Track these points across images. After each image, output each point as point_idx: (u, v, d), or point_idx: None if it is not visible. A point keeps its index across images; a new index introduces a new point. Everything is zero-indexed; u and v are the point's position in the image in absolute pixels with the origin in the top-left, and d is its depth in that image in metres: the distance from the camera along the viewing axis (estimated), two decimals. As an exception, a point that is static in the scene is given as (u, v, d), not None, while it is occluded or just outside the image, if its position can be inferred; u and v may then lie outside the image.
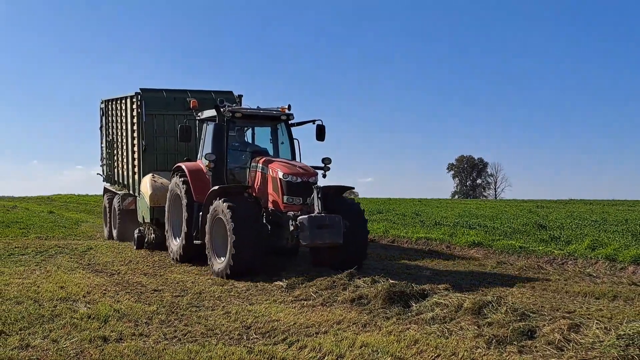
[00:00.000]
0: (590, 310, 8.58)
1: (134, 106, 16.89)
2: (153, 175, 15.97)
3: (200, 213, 12.60)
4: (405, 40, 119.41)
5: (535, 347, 6.33)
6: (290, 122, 13.34)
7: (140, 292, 9.84)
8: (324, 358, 6.44)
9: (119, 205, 18.00)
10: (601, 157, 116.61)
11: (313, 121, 13.24)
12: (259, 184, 12.26)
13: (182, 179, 13.45)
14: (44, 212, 32.19)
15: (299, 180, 11.66)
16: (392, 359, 6.37)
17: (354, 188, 12.12)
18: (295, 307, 8.82)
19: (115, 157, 19.20)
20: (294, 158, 13.14)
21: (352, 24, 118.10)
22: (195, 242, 12.79)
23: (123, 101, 18.11)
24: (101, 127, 21.39)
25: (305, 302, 9.00)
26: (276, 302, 9.13)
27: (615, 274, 11.99)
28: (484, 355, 6.32)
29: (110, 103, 19.73)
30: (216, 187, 11.97)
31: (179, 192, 13.50)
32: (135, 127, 16.95)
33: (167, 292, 9.83)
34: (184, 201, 13.17)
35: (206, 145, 13.47)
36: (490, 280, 11.26)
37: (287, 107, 13.34)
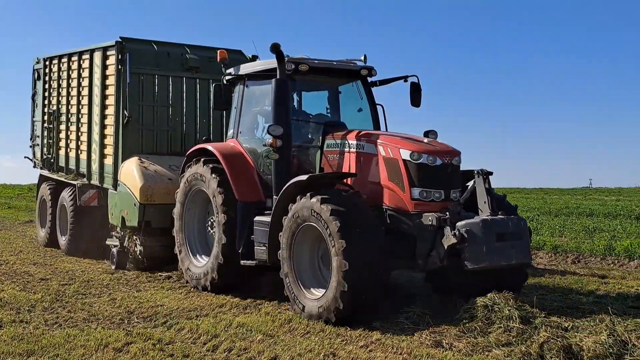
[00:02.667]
0: None
1: (109, 62, 11.94)
2: (140, 159, 11.14)
3: (256, 218, 8.16)
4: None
5: None
6: (371, 79, 9.13)
7: (27, 281, 9.89)
8: (199, 338, 6.74)
9: (73, 202, 12.90)
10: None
11: (405, 77, 9.07)
12: (356, 170, 7.95)
13: (211, 166, 8.87)
14: None
15: (439, 162, 7.52)
16: (264, 337, 6.70)
17: (492, 173, 8.08)
18: (181, 293, 9.06)
19: (64, 134, 14.01)
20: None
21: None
22: (245, 262, 8.28)
23: (84, 56, 13.03)
24: (34, 94, 16.02)
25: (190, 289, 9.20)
26: (163, 289, 9.30)
27: None
28: None
29: (56, 61, 14.51)
30: (302, 178, 7.54)
31: (205, 187, 8.94)
32: (108, 92, 11.99)
33: (54, 281, 9.90)
34: (218, 200, 8.66)
35: (248, 114, 9.02)
36: None
37: (362, 57, 9.08)
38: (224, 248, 8.59)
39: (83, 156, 13.11)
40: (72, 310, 7.92)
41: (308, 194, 7.22)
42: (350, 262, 6.66)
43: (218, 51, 9.47)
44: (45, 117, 15.20)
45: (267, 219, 7.98)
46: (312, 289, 7.34)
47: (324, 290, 7.08)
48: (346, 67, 8.94)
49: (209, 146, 9.13)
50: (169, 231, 10.68)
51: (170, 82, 11.87)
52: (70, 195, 13.03)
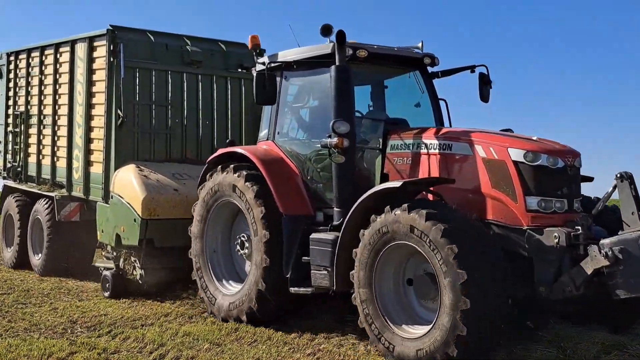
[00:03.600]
0: None
1: (96, 54, 10.27)
2: (138, 167, 9.52)
3: (313, 236, 6.77)
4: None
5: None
6: (431, 70, 7.85)
7: (-35, 294, 9.53)
8: (145, 347, 6.63)
9: (50, 216, 11.12)
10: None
11: (472, 67, 7.72)
12: (442, 175, 6.57)
13: (246, 173, 7.38)
14: None
15: (560, 164, 6.17)
16: (211, 345, 6.64)
17: (592, 179, 6.85)
18: (125, 302, 8.92)
19: (34, 139, 12.20)
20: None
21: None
22: (297, 290, 6.82)
23: (62, 48, 11.29)
24: (-7, 95, 14.09)
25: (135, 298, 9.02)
26: (105, 299, 9.20)
27: None
28: None
29: (24, 56, 12.69)
30: (394, 184, 6.10)
31: (236, 199, 7.46)
32: (96, 89, 10.30)
33: (-7, 292, 9.60)
34: (257, 213, 7.21)
35: (287, 111, 7.67)
36: None
37: (419, 44, 7.76)
38: (267, 272, 7.08)
39: (61, 164, 11.34)
40: (12, 320, 7.80)
41: (404, 206, 5.78)
42: (472, 299, 5.25)
43: (249, 37, 7.96)
44: (10, 120, 13.32)
45: (329, 236, 6.55)
46: (403, 326, 5.90)
47: (425, 328, 5.67)
48: (409, 55, 7.57)
49: (242, 150, 7.62)
50: (175, 251, 9.13)
51: (170, 78, 10.26)
52: (46, 209, 11.23)
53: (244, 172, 7.33)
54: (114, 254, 9.73)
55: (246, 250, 7.59)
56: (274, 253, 7.04)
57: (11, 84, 13.28)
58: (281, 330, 7.10)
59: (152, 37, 10.25)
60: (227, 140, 8.98)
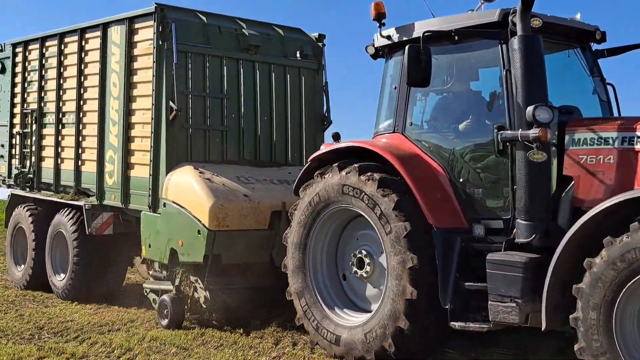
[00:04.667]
0: None
1: (138, 37, 8.76)
2: (197, 169, 8.04)
3: (490, 257, 5.37)
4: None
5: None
6: (597, 47, 6.48)
7: None
8: (113, 352, 6.75)
9: (77, 229, 9.52)
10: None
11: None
12: None
13: (379, 176, 5.93)
14: None
15: None
16: (178, 349, 6.78)
17: None
18: (90, 308, 8.94)
19: (50, 141, 10.59)
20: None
21: None
22: (463, 325, 5.39)
23: (89, 34, 9.75)
24: (-6, 92, 12.42)
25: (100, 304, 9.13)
26: (72, 304, 9.13)
27: None
28: None
29: (34, 46, 11.10)
30: None
31: (359, 207, 6.03)
32: (138, 78, 8.79)
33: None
34: (398, 229, 5.76)
35: (422, 96, 6.23)
36: None
37: (577, 16, 6.41)
38: (412, 307, 5.60)
39: (88, 168, 9.76)
40: (-22, 326, 7.64)
41: None
42: None
43: (372, 4, 6.52)
44: (17, 120, 11.68)
45: (518, 258, 5.12)
46: None
47: None
48: (582, 27, 6.18)
49: (367, 145, 6.11)
50: (244, 268, 7.70)
51: (225, 66, 8.80)
52: (72, 221, 9.62)
53: (375, 175, 5.86)
54: (165, 273, 8.21)
55: (366, 271, 6.15)
56: (423, 281, 5.58)
57: (18, 79, 11.64)
58: (247, 335, 7.33)
59: (203, 18, 8.78)
60: (333, 133, 7.52)
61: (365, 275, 6.17)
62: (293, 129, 9.30)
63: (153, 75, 8.37)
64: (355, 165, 6.03)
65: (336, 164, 6.22)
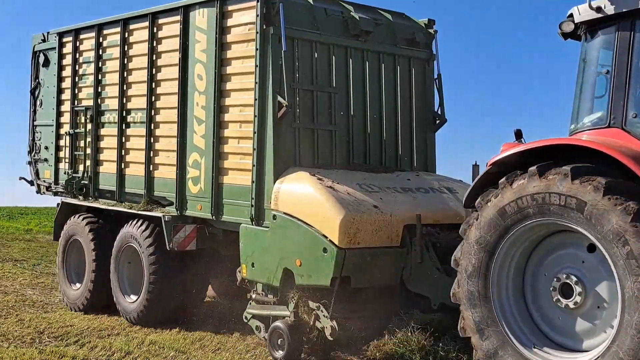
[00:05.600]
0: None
1: (232, 21, 7.53)
2: (315, 175, 6.83)
3: None
4: None
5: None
6: None
7: None
8: (113, 355, 6.91)
9: (154, 244, 8.28)
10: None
11: None
12: None
13: (606, 181, 4.69)
14: None
15: None
16: (177, 353, 6.97)
17: None
18: (90, 313, 8.93)
19: (112, 142, 9.33)
20: None
21: None
22: None
23: (162, 19, 8.52)
24: (36, 88, 11.17)
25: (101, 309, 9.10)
26: (71, 311, 9.16)
27: None
28: None
29: (90, 35, 9.84)
30: None
31: (580, 223, 4.75)
32: (232, 69, 7.56)
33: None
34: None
35: None
36: None
37: None
38: None
39: (162, 173, 8.53)
40: (-20, 331, 7.76)
41: None
42: None
43: None
44: (64, 119, 10.43)
45: None
46: None
47: None
48: None
49: (590, 143, 4.90)
50: (377, 293, 6.53)
51: (333, 55, 7.59)
52: (147, 235, 8.37)
53: (600, 180, 4.66)
54: (273, 297, 6.99)
55: (576, 301, 4.96)
56: None
57: (66, 72, 10.38)
58: (244, 341, 7.41)
59: (310, 1, 7.55)
60: (515, 130, 6.29)
61: (573, 306, 4.98)
62: (403, 129, 8.10)
63: (256, 66, 7.14)
64: (566, 168, 4.82)
65: (534, 168, 5.01)
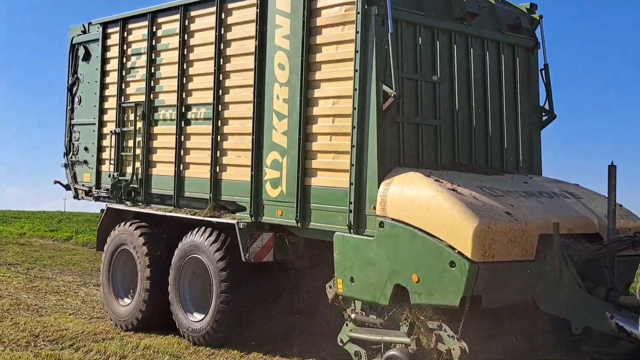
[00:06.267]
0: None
1: (323, 2, 6.60)
2: (430, 176, 5.90)
3: None
4: None
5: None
6: None
7: None
8: (108, 359, 7.01)
9: (226, 256, 7.33)
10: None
11: None
12: None
13: None
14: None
15: None
16: (171, 357, 7.10)
17: None
18: (84, 318, 9.04)
19: (176, 140, 8.37)
20: None
21: None
22: None
23: (237, 2, 7.59)
24: (75, 83, 10.26)
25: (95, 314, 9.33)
26: (66, 314, 9.20)
27: None
28: None
29: (138, 24, 8.97)
30: None
31: None
32: (322, 56, 6.63)
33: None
34: None
35: None
36: None
37: None
38: None
39: (232, 175, 7.60)
40: (-25, 335, 7.76)
41: None
42: None
43: None
44: (108, 117, 9.52)
45: None
46: None
47: None
48: None
49: None
50: (510, 313, 5.60)
51: (437, 40, 6.67)
52: (217, 245, 7.42)
53: None
54: (377, 317, 6.05)
55: None
56: None
57: (111, 66, 9.48)
58: (239, 348, 7.40)
59: None
60: None
61: None
62: (509, 125, 7.19)
63: (356, 51, 6.21)
64: None
65: None
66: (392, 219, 5.83)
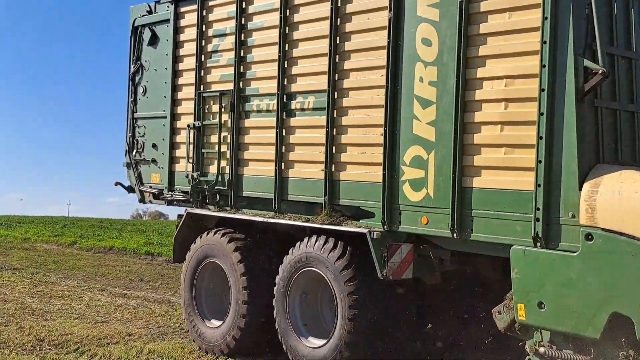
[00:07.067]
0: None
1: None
2: None
3: None
4: None
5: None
6: None
7: None
8: None
9: (356, 273, 6.05)
10: None
11: None
12: None
13: None
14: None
15: None
16: None
17: None
18: (89, 322, 9.01)
19: (276, 136, 7.10)
20: None
21: None
22: None
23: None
24: (138, 71, 9.01)
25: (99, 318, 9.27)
26: (71, 318, 9.20)
27: None
28: None
29: (223, 0, 7.71)
30: None
31: None
32: (485, 27, 5.36)
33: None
34: None
35: None
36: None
37: None
38: None
39: (352, 174, 6.34)
40: (-20, 338, 7.83)
41: None
42: None
43: None
44: (183, 109, 8.29)
45: None
46: None
47: None
48: None
49: None
50: None
51: (632, 8, 5.41)
52: (343, 260, 6.14)
53: None
54: (582, 354, 4.78)
55: None
56: None
57: (184, 51, 8.24)
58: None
59: None
60: None
61: None
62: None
63: (545, 18, 4.94)
64: None
65: None
66: (605, 230, 4.57)
